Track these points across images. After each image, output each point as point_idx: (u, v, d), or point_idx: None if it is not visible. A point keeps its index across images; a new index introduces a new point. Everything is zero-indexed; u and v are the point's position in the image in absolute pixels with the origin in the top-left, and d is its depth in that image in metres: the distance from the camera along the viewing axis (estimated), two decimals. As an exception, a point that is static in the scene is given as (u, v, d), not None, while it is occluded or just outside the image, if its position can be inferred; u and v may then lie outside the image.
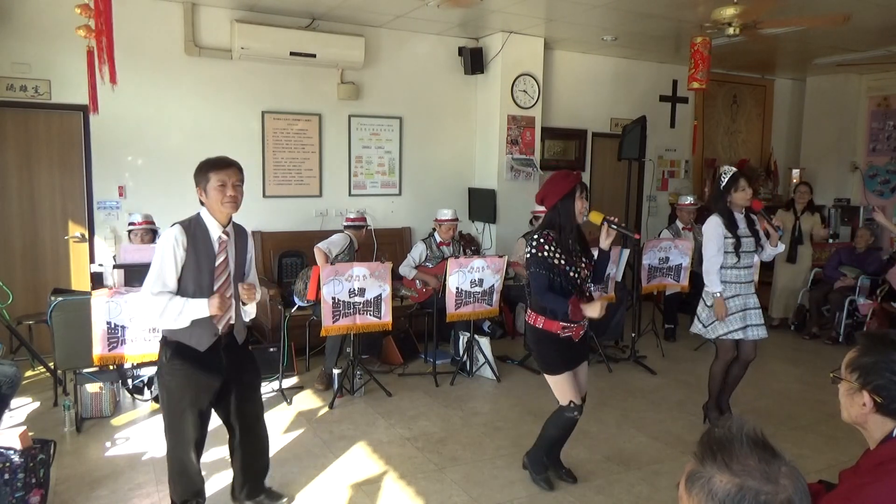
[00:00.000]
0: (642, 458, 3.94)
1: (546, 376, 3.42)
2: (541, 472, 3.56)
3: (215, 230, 2.91)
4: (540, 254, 3.24)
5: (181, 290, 2.85)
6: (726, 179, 4.17)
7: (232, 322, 2.99)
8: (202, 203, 2.92)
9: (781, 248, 4.37)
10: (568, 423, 3.42)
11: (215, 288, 2.89)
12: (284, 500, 3.33)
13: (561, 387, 3.36)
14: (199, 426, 2.97)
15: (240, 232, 3.06)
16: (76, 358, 4.16)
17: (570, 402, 3.34)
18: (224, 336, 2.96)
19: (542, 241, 3.25)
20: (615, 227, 3.29)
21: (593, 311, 3.18)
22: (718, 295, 4.15)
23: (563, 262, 3.25)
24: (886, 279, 6.45)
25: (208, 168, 2.86)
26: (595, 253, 3.43)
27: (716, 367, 4.37)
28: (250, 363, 3.17)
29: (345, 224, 5.62)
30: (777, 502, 1.06)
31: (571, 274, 3.27)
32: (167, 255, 2.81)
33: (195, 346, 2.89)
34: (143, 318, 2.79)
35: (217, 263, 2.90)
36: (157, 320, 2.88)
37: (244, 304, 3.04)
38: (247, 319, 3.10)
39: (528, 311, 3.41)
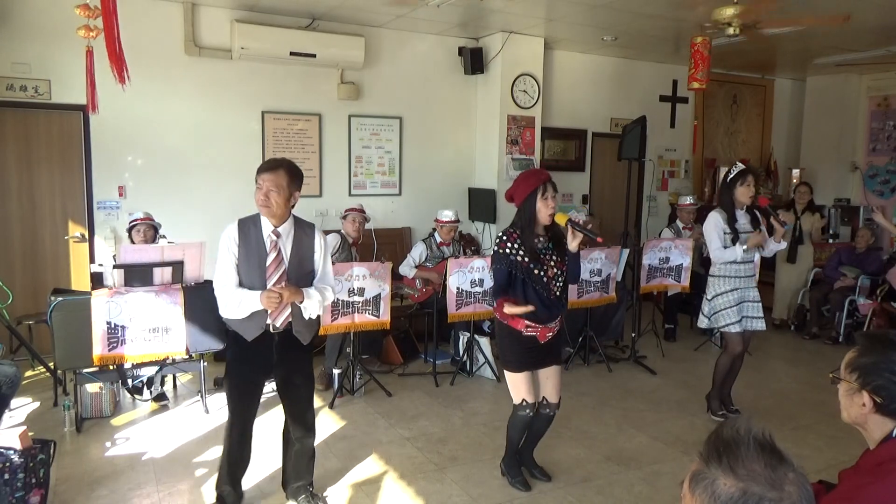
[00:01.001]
0: (642, 458, 3.94)
1: (505, 371, 3.45)
2: (516, 476, 3.57)
3: (266, 228, 3.03)
4: (501, 251, 3.29)
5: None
6: (734, 173, 4.28)
7: (289, 320, 3.04)
8: None
9: (783, 245, 4.42)
10: (521, 422, 3.44)
11: (269, 285, 2.97)
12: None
13: (514, 384, 3.40)
14: (243, 418, 3.13)
15: (303, 230, 3.13)
16: (76, 358, 4.15)
17: (523, 400, 3.38)
18: (281, 333, 3.05)
19: (504, 238, 3.31)
20: (579, 229, 3.26)
21: (509, 309, 3.22)
22: (746, 246, 4.18)
23: (526, 259, 3.26)
24: (886, 279, 6.45)
25: (257, 171, 3.02)
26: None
27: (723, 360, 4.48)
28: (302, 369, 3.20)
29: (342, 215, 5.60)
30: None
31: (536, 272, 3.27)
32: (222, 250, 3.02)
33: (242, 334, 3.04)
34: (220, 307, 3.04)
35: (269, 262, 3.00)
36: (223, 309, 3.02)
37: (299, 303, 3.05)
38: (306, 317, 3.09)
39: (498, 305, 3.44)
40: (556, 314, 3.38)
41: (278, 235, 3.03)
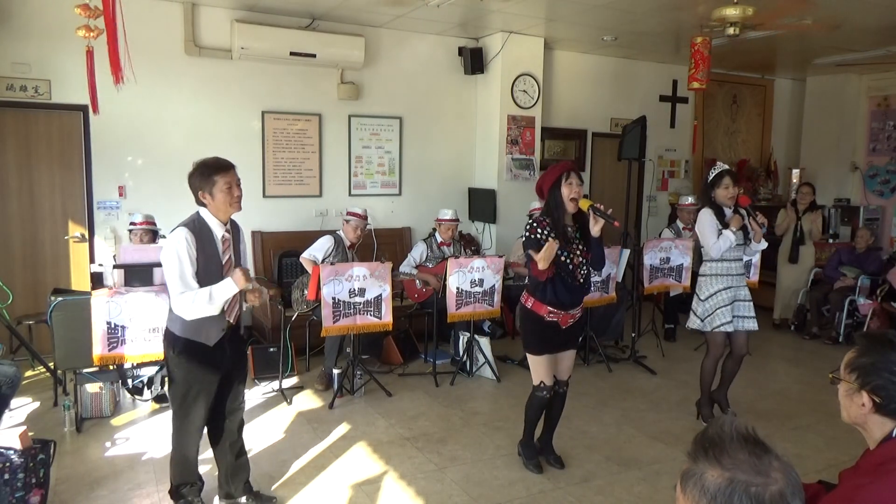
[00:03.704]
0: (642, 458, 3.94)
1: (526, 353, 3.63)
2: (531, 458, 3.74)
3: (218, 230, 3.00)
4: (532, 235, 3.45)
5: None
6: (713, 175, 4.32)
7: (240, 313, 3.16)
8: (203, 204, 2.99)
9: (764, 244, 4.43)
10: (538, 402, 3.65)
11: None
12: (274, 500, 3.36)
13: (534, 367, 3.59)
14: (203, 417, 3.10)
15: (235, 228, 3.17)
16: (76, 358, 4.16)
17: (541, 382, 3.57)
18: (231, 328, 3.09)
19: (535, 224, 3.48)
20: (599, 213, 3.42)
21: (541, 255, 3.33)
22: (733, 227, 4.18)
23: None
24: (887, 279, 6.45)
25: (212, 171, 2.93)
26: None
27: (707, 363, 4.45)
28: (244, 361, 3.33)
29: (345, 218, 5.50)
30: (768, 494, 1.07)
31: (563, 258, 3.43)
32: (182, 255, 2.87)
33: (204, 341, 2.97)
34: (185, 314, 2.91)
35: (224, 262, 3.01)
36: (192, 312, 2.91)
37: (246, 302, 3.19)
38: (245, 309, 3.26)
39: (524, 292, 3.61)
40: (578, 300, 3.55)
41: (230, 233, 3.06)
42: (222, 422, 3.21)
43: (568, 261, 3.44)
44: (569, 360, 3.67)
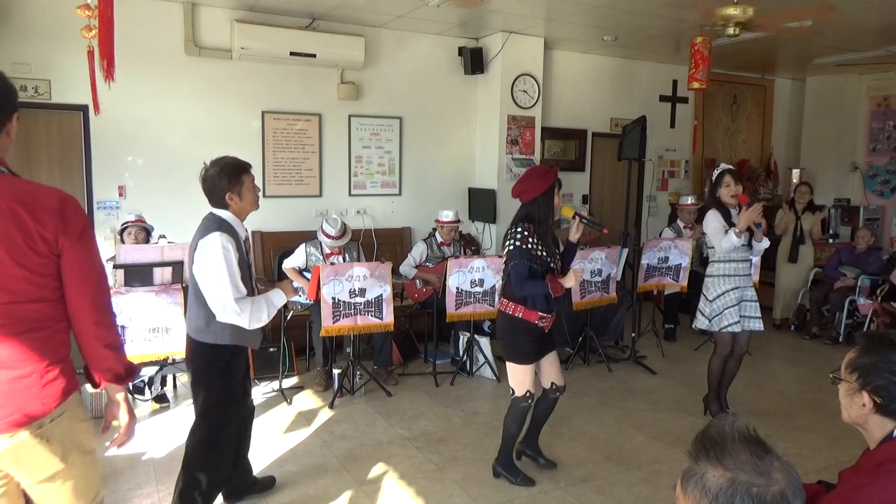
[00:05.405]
0: (642, 458, 3.94)
1: (510, 364, 3.48)
2: (517, 475, 3.59)
3: (242, 232, 2.92)
4: (524, 245, 3.34)
5: None
6: (715, 175, 4.37)
7: None
8: (227, 206, 2.87)
9: (766, 243, 4.45)
10: (522, 413, 3.53)
11: (253, 286, 2.97)
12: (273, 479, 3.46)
13: (521, 377, 3.45)
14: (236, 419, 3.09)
15: None
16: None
17: (527, 391, 3.44)
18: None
19: (525, 233, 3.35)
20: (585, 220, 3.42)
21: (569, 281, 3.34)
22: (738, 227, 4.16)
23: (544, 253, 3.37)
24: (889, 279, 6.44)
25: (241, 170, 2.88)
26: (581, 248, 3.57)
27: (714, 361, 4.47)
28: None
29: (320, 240, 5.23)
30: (769, 494, 1.07)
31: (552, 265, 3.41)
32: (231, 260, 2.76)
33: (251, 345, 2.98)
34: (245, 322, 2.80)
35: (250, 264, 2.98)
36: (251, 322, 2.83)
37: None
38: None
39: (503, 300, 3.48)
40: (559, 304, 3.56)
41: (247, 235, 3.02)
42: (247, 426, 3.26)
43: (555, 266, 3.44)
44: (557, 362, 3.62)
